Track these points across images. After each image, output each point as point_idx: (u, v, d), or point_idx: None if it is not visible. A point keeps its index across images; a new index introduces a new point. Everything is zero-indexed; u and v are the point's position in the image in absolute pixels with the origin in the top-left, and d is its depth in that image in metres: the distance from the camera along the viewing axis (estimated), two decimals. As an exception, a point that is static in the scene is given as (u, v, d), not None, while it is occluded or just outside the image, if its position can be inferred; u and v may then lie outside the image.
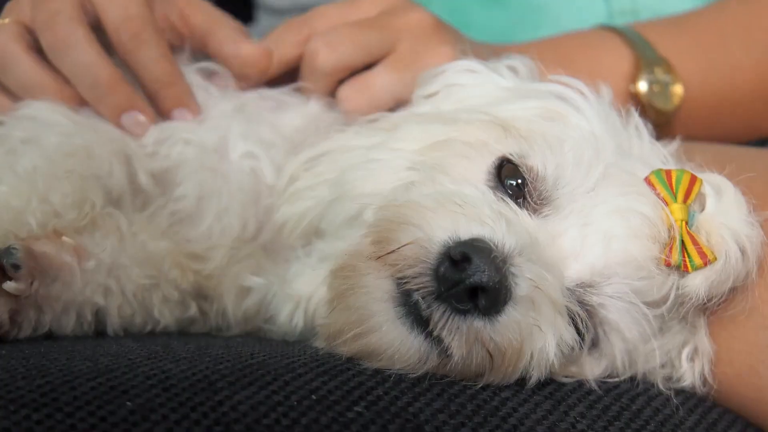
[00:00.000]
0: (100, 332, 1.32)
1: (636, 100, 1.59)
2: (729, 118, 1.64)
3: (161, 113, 1.44)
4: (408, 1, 1.49)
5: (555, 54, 1.57)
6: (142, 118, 1.42)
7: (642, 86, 1.58)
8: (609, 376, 1.26)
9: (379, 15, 1.47)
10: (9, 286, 1.22)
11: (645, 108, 1.58)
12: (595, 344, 1.24)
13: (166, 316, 1.36)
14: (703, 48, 1.64)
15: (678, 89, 1.60)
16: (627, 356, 1.25)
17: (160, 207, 1.40)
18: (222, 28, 1.46)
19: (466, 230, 1.16)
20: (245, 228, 1.40)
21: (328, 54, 1.43)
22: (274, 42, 1.47)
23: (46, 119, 1.39)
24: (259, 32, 2.00)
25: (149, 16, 1.42)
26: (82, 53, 1.40)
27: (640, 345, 1.25)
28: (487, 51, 1.50)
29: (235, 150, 1.42)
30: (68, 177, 1.32)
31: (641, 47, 1.60)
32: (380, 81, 1.44)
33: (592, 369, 1.25)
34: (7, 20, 1.45)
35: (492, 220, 1.17)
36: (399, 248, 1.17)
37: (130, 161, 1.39)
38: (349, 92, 1.45)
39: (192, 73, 1.46)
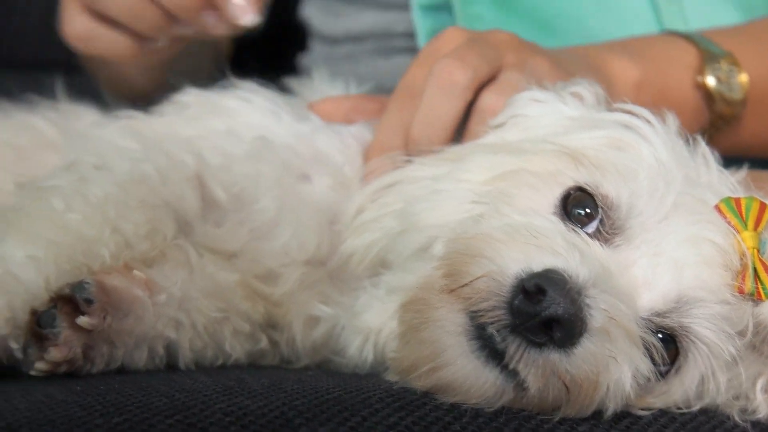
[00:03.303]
0: (171, 366, 1.33)
1: (704, 91, 1.61)
2: None
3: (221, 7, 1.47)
4: (481, 32, 1.48)
5: (624, 50, 1.59)
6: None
7: (710, 78, 1.61)
8: (685, 407, 1.24)
9: (469, 40, 1.45)
10: (82, 321, 1.22)
11: (715, 100, 1.61)
12: (671, 374, 1.23)
13: (237, 350, 1.37)
14: (762, 42, 1.68)
15: (743, 78, 1.62)
16: (704, 386, 1.24)
17: (237, 223, 1.39)
18: None
19: (539, 262, 1.16)
20: (319, 248, 1.40)
21: (463, 68, 1.39)
22: (393, 120, 1.45)
23: (117, 143, 1.40)
24: (312, 60, 2.00)
25: None
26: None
27: (719, 374, 1.24)
28: (568, 57, 1.51)
29: (318, 174, 1.42)
30: (140, 206, 1.33)
31: (704, 43, 1.64)
32: (518, 83, 1.41)
33: (668, 399, 1.24)
34: None
35: (565, 250, 1.17)
36: (472, 281, 1.17)
37: (204, 182, 1.39)
38: (493, 98, 1.41)
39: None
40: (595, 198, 1.26)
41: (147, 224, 1.32)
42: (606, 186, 1.26)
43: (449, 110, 1.40)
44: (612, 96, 1.47)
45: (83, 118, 1.61)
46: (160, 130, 1.43)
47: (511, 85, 1.40)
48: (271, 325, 1.40)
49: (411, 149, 1.42)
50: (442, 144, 1.41)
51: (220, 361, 1.37)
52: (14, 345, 1.23)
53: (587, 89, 1.39)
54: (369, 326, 1.33)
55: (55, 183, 1.35)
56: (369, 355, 1.34)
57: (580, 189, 1.27)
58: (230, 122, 1.44)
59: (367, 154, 1.44)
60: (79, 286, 1.24)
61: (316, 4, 2.08)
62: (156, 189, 1.35)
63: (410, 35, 1.89)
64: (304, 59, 2.03)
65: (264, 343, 1.39)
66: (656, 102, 1.52)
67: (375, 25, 1.98)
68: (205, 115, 1.45)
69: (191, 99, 1.48)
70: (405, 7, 1.89)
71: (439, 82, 1.40)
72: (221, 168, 1.40)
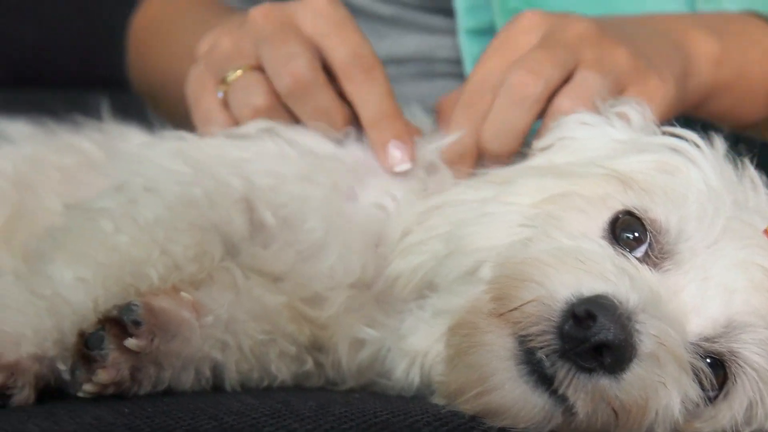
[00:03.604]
0: (217, 387, 1.32)
1: None
2: None
3: (376, 146, 1.45)
4: (559, 15, 1.45)
5: (707, 25, 1.57)
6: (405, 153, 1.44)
7: None
8: (734, 432, 1.24)
9: (545, 36, 1.43)
10: (130, 343, 1.22)
11: None
12: (719, 399, 1.23)
13: (283, 372, 1.36)
14: None
15: None
16: (752, 411, 1.24)
17: (285, 245, 1.39)
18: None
19: (589, 287, 1.16)
20: (365, 270, 1.39)
21: (535, 80, 1.38)
22: (467, 118, 1.43)
23: (166, 165, 1.40)
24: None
25: (376, 55, 1.47)
26: (322, 98, 1.45)
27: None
28: (648, 36, 1.49)
29: (368, 198, 1.42)
30: (189, 229, 1.33)
31: None
32: (592, 81, 1.39)
33: (716, 425, 1.23)
34: (240, 72, 1.49)
35: (614, 275, 1.17)
36: (521, 305, 1.17)
37: (252, 205, 1.39)
38: (568, 103, 1.39)
39: None
40: (644, 222, 1.26)
41: (195, 246, 1.33)
42: (655, 210, 1.26)
43: (520, 121, 1.39)
44: (691, 71, 1.48)
45: (129, 139, 1.61)
46: (209, 152, 1.43)
47: (587, 87, 1.39)
48: (316, 347, 1.40)
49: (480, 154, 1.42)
50: (512, 152, 1.40)
51: (266, 383, 1.36)
52: (62, 367, 1.23)
53: (635, 109, 1.39)
54: (415, 349, 1.33)
55: (105, 205, 1.35)
56: (415, 377, 1.34)
57: (629, 213, 1.26)
58: (280, 142, 1.44)
59: (445, 154, 1.43)
60: (127, 308, 1.24)
61: (362, 20, 2.08)
62: (204, 212, 1.35)
63: (453, 61, 1.89)
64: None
65: (309, 365, 1.39)
66: (733, 81, 1.53)
67: (417, 49, 1.98)
68: (256, 136, 1.45)
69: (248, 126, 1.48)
70: (448, 31, 1.88)
71: (512, 94, 1.39)
72: (270, 190, 1.40)
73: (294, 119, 1.48)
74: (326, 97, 1.46)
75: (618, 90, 1.41)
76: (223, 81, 1.51)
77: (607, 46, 1.42)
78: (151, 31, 2.11)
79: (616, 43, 1.43)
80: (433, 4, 1.93)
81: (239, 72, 1.49)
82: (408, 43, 1.97)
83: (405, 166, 1.44)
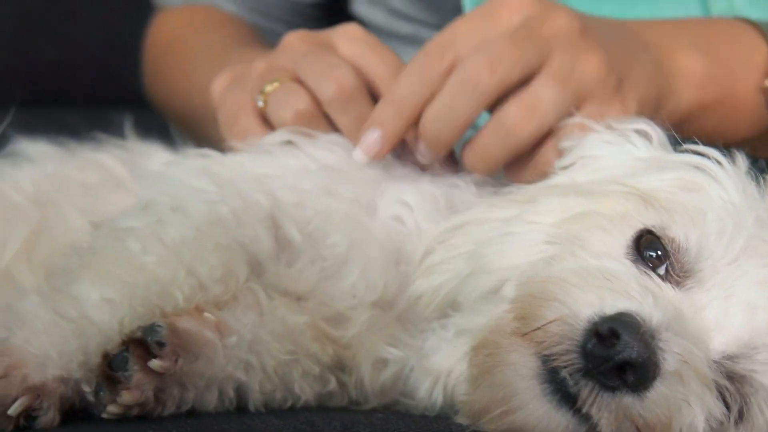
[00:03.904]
0: (241, 408, 1.33)
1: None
2: None
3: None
4: (550, 3, 1.42)
5: (690, 36, 1.54)
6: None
7: None
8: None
9: (523, 23, 1.39)
10: (154, 364, 1.23)
11: None
12: (742, 417, 1.22)
13: (306, 391, 1.36)
14: None
15: None
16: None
17: (309, 262, 1.40)
18: None
19: (612, 305, 1.16)
20: (387, 288, 1.39)
21: (490, 74, 1.35)
22: (417, 74, 1.40)
23: (192, 184, 1.41)
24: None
25: None
26: (366, 108, 1.45)
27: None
28: (629, 46, 1.46)
29: (386, 210, 1.42)
30: (216, 249, 1.33)
31: None
32: (547, 96, 1.36)
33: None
34: (277, 83, 1.50)
35: (638, 293, 1.17)
36: (544, 325, 1.17)
37: (278, 222, 1.39)
38: (515, 113, 1.37)
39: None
40: (663, 241, 1.26)
41: (222, 267, 1.33)
42: (674, 229, 1.26)
43: (463, 112, 1.37)
44: (671, 91, 1.46)
45: (153, 157, 1.61)
46: (233, 169, 1.44)
47: (538, 102, 1.36)
48: (339, 367, 1.40)
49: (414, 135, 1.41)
50: (448, 142, 1.40)
51: (289, 403, 1.36)
52: (87, 388, 1.24)
53: (652, 128, 1.39)
54: (438, 368, 1.33)
55: (132, 224, 1.36)
56: (438, 397, 1.34)
57: (649, 232, 1.26)
58: (302, 157, 1.44)
59: (375, 113, 1.42)
60: (151, 329, 1.24)
61: (380, 39, 2.08)
62: (231, 231, 1.35)
63: None
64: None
65: (333, 384, 1.39)
66: (718, 102, 1.51)
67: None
68: (278, 151, 1.46)
69: (267, 138, 1.48)
70: None
71: (463, 81, 1.36)
72: (295, 206, 1.40)
73: (332, 129, 1.49)
74: (370, 107, 1.46)
75: (576, 103, 1.39)
76: (261, 92, 1.51)
77: (582, 49, 1.38)
78: (168, 52, 2.12)
79: (593, 48, 1.39)
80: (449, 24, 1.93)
81: (277, 84, 1.50)
82: None
83: (427, 160, 1.45)
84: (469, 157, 1.41)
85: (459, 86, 1.37)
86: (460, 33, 1.41)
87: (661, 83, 1.46)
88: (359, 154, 1.43)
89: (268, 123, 1.51)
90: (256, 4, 2.16)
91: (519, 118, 1.37)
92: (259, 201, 1.39)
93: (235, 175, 1.42)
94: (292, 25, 2.14)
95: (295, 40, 1.54)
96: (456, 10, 1.83)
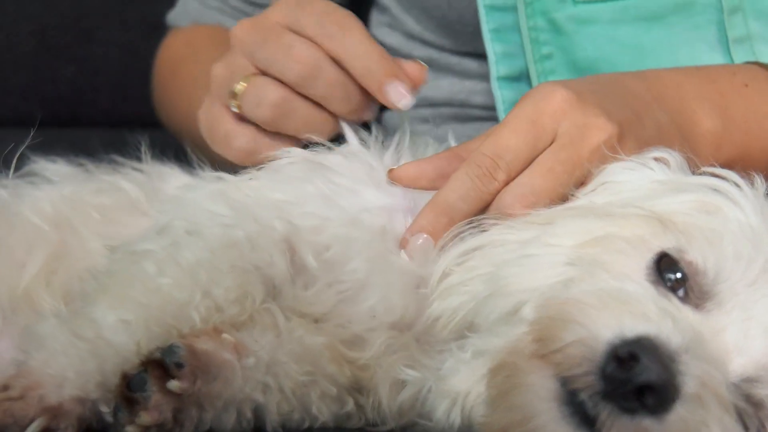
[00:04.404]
0: (258, 429, 1.33)
1: None
2: None
3: (375, 93, 1.47)
4: (586, 107, 1.41)
5: (710, 92, 1.55)
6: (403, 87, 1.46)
7: None
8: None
9: (565, 142, 1.40)
10: (173, 385, 1.23)
11: None
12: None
13: (324, 413, 1.36)
14: None
15: None
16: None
17: (326, 286, 1.40)
18: None
19: (632, 328, 1.16)
20: (406, 311, 1.39)
21: (525, 206, 1.37)
22: (471, 188, 1.40)
23: (208, 208, 1.41)
24: (390, 117, 2.01)
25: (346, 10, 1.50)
26: (333, 72, 1.47)
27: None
28: (649, 114, 1.47)
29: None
30: (231, 271, 1.34)
31: None
32: (543, 186, 1.38)
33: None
34: (244, 83, 1.51)
35: (657, 316, 1.17)
36: (563, 347, 1.17)
37: (294, 247, 1.40)
38: (512, 201, 1.38)
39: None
40: (680, 264, 1.25)
41: (237, 288, 1.33)
42: (692, 252, 1.26)
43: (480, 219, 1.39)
44: (689, 151, 1.46)
45: (170, 179, 1.62)
46: (249, 194, 1.44)
47: (537, 191, 1.37)
48: (357, 388, 1.40)
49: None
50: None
51: (306, 424, 1.37)
52: (104, 409, 1.24)
53: (671, 155, 1.38)
54: (456, 390, 1.32)
55: (148, 247, 1.36)
56: (456, 418, 1.33)
57: (666, 255, 1.26)
58: (319, 183, 1.44)
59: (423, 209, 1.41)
60: (169, 350, 1.25)
61: None
62: (245, 254, 1.36)
63: (488, 107, 1.90)
64: (385, 116, 2.04)
65: (350, 406, 1.39)
66: (733, 160, 1.51)
67: (452, 94, 1.99)
68: (297, 178, 1.46)
69: (285, 161, 1.49)
70: (482, 76, 1.90)
71: (499, 208, 1.39)
72: (313, 231, 1.40)
73: (311, 104, 1.50)
74: (336, 70, 1.48)
75: None
76: (232, 97, 1.53)
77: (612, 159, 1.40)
78: (173, 73, 2.13)
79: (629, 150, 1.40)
80: (466, 49, 1.94)
81: (243, 83, 1.52)
82: (443, 87, 1.98)
83: (406, 101, 1.47)
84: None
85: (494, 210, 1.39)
86: (511, 147, 1.39)
87: (682, 141, 1.46)
88: (404, 257, 1.41)
89: (247, 121, 1.53)
90: None
91: (514, 206, 1.38)
92: (274, 226, 1.39)
93: (251, 201, 1.43)
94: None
95: (242, 31, 1.53)
96: (475, 35, 1.84)
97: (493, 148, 1.40)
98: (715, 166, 1.37)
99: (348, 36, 1.48)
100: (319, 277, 1.39)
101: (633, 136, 1.42)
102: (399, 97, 1.47)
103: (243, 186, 1.46)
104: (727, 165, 1.47)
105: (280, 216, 1.41)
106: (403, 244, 1.40)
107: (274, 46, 1.49)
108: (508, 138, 1.40)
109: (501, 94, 1.84)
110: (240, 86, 1.52)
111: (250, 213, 1.40)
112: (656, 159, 1.38)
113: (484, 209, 1.40)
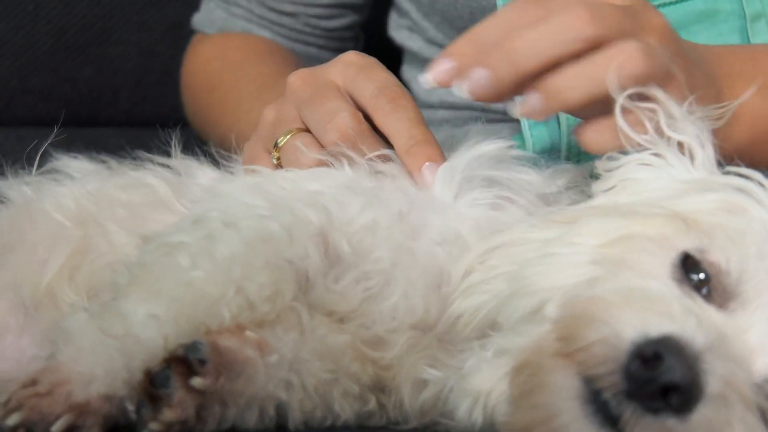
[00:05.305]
0: (280, 426, 1.33)
1: None
2: None
3: (411, 172, 1.46)
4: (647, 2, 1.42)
5: (751, 68, 1.53)
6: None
7: None
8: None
9: (626, 5, 1.38)
10: (196, 382, 1.23)
11: None
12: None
13: (346, 411, 1.37)
14: None
15: None
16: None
17: (354, 281, 1.39)
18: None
19: (656, 327, 1.16)
20: (428, 311, 1.39)
21: (591, 26, 1.32)
22: (508, 18, 1.35)
23: (244, 200, 1.41)
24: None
25: (403, 86, 1.50)
26: (370, 145, 1.47)
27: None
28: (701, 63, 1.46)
29: (431, 233, 1.41)
30: (266, 267, 1.34)
31: None
32: (636, 57, 1.34)
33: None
34: (288, 136, 1.53)
35: (681, 316, 1.17)
36: (587, 345, 1.17)
37: (328, 238, 1.40)
38: (603, 63, 1.33)
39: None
40: (702, 264, 1.25)
41: (271, 285, 1.33)
42: (714, 252, 1.26)
43: (552, 53, 1.33)
44: (727, 124, 1.44)
45: (197, 175, 1.62)
46: (286, 187, 1.44)
47: (629, 60, 1.33)
48: (379, 387, 1.40)
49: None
50: (520, 74, 1.34)
51: (328, 422, 1.37)
52: (130, 406, 1.24)
53: (702, 143, 1.37)
54: (478, 389, 1.32)
55: (183, 239, 1.36)
56: (478, 418, 1.33)
57: (688, 255, 1.26)
58: (352, 174, 1.45)
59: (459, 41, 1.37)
60: (193, 346, 1.25)
61: (417, 64, 2.10)
62: (280, 248, 1.36)
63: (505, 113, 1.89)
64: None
65: (372, 404, 1.39)
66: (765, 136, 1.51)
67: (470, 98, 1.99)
68: (332, 170, 1.46)
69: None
70: None
71: (560, 23, 1.33)
72: (344, 221, 1.40)
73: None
74: (374, 142, 1.48)
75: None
76: (274, 147, 1.54)
77: (672, 51, 1.39)
78: (207, 87, 2.14)
79: (680, 56, 1.40)
80: None
81: (288, 137, 1.53)
82: None
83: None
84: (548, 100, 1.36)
85: (556, 26, 1.33)
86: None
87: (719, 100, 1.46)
88: (427, 77, 1.37)
89: None
90: (288, 32, 2.18)
91: (605, 70, 1.33)
92: (309, 217, 1.39)
93: (287, 193, 1.43)
94: (327, 49, 2.17)
95: (297, 81, 1.55)
96: None
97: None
98: (750, 139, 1.40)
99: (399, 113, 1.48)
100: (349, 270, 1.39)
101: (684, 73, 1.40)
102: (432, 178, 1.45)
103: (279, 178, 1.46)
104: (760, 142, 1.49)
105: (314, 206, 1.40)
106: (430, 68, 1.37)
107: (321, 108, 1.50)
108: None
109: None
110: (282, 139, 1.54)
111: (286, 205, 1.40)
112: (680, 149, 1.37)
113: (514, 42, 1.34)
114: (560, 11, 1.34)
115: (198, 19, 2.24)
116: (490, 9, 1.84)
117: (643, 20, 1.40)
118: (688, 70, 1.42)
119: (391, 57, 1.57)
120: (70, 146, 1.69)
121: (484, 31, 1.37)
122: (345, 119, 1.48)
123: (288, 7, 2.16)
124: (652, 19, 1.41)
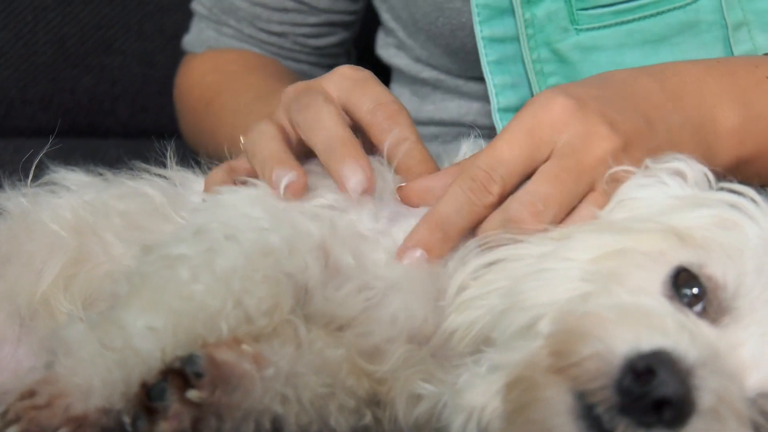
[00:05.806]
0: (276, 440, 1.34)
1: None
2: None
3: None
4: (590, 119, 1.40)
5: (732, 87, 1.53)
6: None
7: None
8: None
9: (567, 151, 1.39)
10: (192, 394, 1.23)
11: None
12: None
13: (342, 425, 1.37)
14: None
15: None
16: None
17: (356, 290, 1.40)
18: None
19: (648, 342, 1.17)
20: (426, 322, 1.40)
21: (534, 222, 1.37)
22: (464, 200, 1.40)
23: (245, 212, 1.42)
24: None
25: (400, 102, 1.50)
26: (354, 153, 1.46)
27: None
28: (671, 123, 1.46)
29: None
30: (265, 280, 1.34)
31: None
32: (550, 193, 1.38)
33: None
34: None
35: (674, 330, 1.18)
36: (580, 360, 1.17)
37: (329, 250, 1.40)
38: (518, 207, 1.38)
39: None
40: (700, 278, 1.26)
41: (270, 299, 1.34)
42: (711, 266, 1.26)
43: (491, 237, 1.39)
44: (711, 148, 1.47)
45: (193, 186, 1.62)
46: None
47: (537, 199, 1.37)
48: (374, 401, 1.40)
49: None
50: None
51: (324, 437, 1.38)
52: (126, 419, 1.25)
53: (689, 166, 1.39)
54: (472, 404, 1.32)
55: (184, 252, 1.37)
56: (472, 433, 1.34)
57: (685, 269, 1.27)
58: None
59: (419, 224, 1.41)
60: (190, 359, 1.25)
61: (405, 82, 2.11)
62: (280, 261, 1.36)
63: (494, 130, 1.90)
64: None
65: (368, 418, 1.39)
66: (754, 156, 1.52)
67: (459, 116, 2.01)
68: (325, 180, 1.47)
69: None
70: (489, 99, 1.87)
71: (507, 219, 1.38)
72: (346, 233, 1.41)
73: None
74: (359, 152, 1.47)
75: None
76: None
77: (624, 171, 1.39)
78: (203, 100, 2.15)
79: (637, 161, 1.40)
80: (473, 74, 1.94)
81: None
82: (450, 109, 2.00)
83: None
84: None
85: (501, 223, 1.38)
86: (506, 160, 1.40)
87: (699, 141, 1.46)
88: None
89: None
90: (278, 50, 2.20)
91: (519, 213, 1.38)
92: (309, 230, 1.40)
93: (287, 205, 1.43)
94: (319, 66, 2.19)
95: (292, 92, 1.55)
96: (480, 62, 1.83)
97: (487, 161, 1.40)
98: (737, 160, 1.39)
99: (394, 125, 1.48)
100: (351, 280, 1.40)
101: (642, 144, 1.41)
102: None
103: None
104: (751, 160, 1.50)
105: (315, 218, 1.41)
106: (399, 254, 1.41)
107: (308, 113, 1.50)
108: (503, 150, 1.40)
109: (503, 126, 1.83)
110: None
111: (287, 217, 1.41)
112: (673, 172, 1.38)
113: (479, 223, 1.40)
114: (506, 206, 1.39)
115: (188, 40, 2.25)
116: (469, 27, 1.85)
117: (588, 160, 1.39)
118: (651, 129, 1.43)
119: (379, 74, 1.57)
120: (68, 157, 1.69)
121: (447, 217, 1.40)
122: (329, 122, 1.47)
123: (276, 27, 2.17)
124: (599, 148, 1.39)
